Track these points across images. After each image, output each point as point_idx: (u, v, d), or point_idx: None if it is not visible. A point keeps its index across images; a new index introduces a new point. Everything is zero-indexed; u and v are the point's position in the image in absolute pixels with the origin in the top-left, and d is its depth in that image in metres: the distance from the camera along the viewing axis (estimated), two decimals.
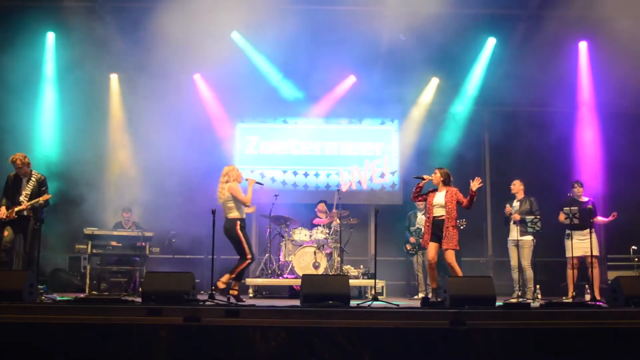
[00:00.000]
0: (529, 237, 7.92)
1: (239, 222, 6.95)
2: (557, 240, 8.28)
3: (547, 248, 8.54)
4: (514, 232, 7.97)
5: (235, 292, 6.89)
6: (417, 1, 8.61)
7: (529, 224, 7.75)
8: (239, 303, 6.38)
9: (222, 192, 7.04)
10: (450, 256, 6.75)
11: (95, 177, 10.20)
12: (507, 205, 8.14)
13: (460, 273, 6.85)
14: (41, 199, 7.02)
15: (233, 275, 6.91)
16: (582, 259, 7.84)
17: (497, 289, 5.80)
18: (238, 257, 7.08)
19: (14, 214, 6.97)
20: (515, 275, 8.01)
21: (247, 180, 7.21)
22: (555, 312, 5.35)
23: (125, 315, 5.03)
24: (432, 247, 6.87)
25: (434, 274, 6.94)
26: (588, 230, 7.64)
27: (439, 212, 6.87)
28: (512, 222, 8.03)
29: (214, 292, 6.27)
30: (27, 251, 7.09)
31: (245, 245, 6.93)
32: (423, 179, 7.07)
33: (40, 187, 7.13)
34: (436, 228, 6.85)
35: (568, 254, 7.90)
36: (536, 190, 8.63)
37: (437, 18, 8.75)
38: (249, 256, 6.94)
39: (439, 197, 6.92)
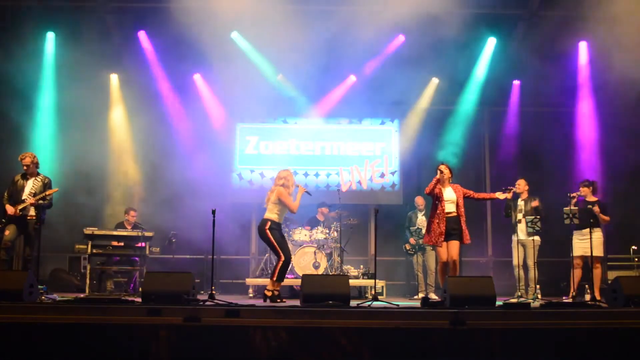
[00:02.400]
0: (537, 237, 7.92)
1: (269, 223, 6.93)
2: (558, 240, 8.29)
3: (548, 248, 8.54)
4: (521, 232, 7.95)
5: (269, 293, 6.88)
6: (417, 1, 8.61)
7: (529, 224, 7.75)
8: (275, 303, 6.46)
9: (271, 194, 7.07)
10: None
11: (96, 177, 10.20)
12: (506, 193, 8.01)
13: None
14: (47, 193, 7.10)
15: (274, 279, 6.90)
16: (585, 259, 7.83)
17: (497, 289, 5.80)
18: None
19: (18, 211, 7.05)
20: (518, 273, 7.98)
21: (297, 187, 7.19)
22: (555, 312, 5.35)
23: (125, 315, 5.03)
24: (453, 246, 6.72)
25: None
26: (588, 230, 7.64)
27: (450, 208, 6.77)
28: (517, 222, 7.98)
29: (213, 292, 6.27)
30: (27, 251, 7.14)
31: (277, 246, 6.91)
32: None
33: (45, 189, 7.23)
34: (449, 225, 6.71)
35: (573, 254, 7.88)
36: (536, 190, 8.63)
37: (437, 18, 8.75)
38: (282, 256, 6.90)
39: (450, 193, 6.82)
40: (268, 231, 6.91)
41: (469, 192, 6.95)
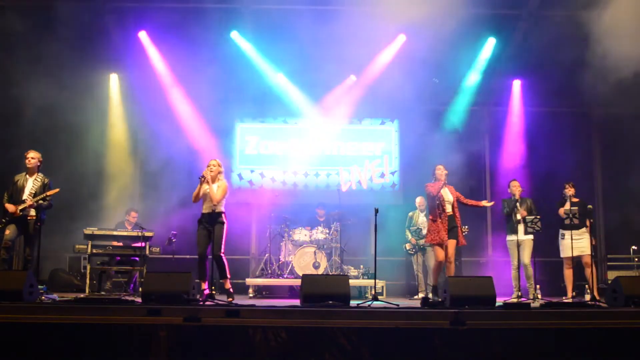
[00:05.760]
0: (530, 237, 7.95)
1: (200, 216, 6.94)
2: (556, 240, 8.27)
3: (547, 248, 8.54)
4: (519, 232, 7.96)
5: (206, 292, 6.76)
6: (417, 1, 8.61)
7: (529, 224, 7.75)
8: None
9: None
10: None
11: (95, 177, 10.20)
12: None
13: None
14: (48, 193, 7.10)
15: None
16: (577, 259, 7.86)
17: (497, 289, 5.80)
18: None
19: (18, 211, 7.05)
20: (516, 275, 8.01)
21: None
22: (555, 312, 5.36)
23: (125, 315, 5.04)
24: (452, 245, 7.07)
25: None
26: (583, 230, 7.72)
27: (448, 208, 7.10)
28: (516, 222, 7.98)
29: (213, 292, 6.27)
30: (27, 251, 7.14)
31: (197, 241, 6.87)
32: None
33: (45, 190, 7.20)
34: (449, 225, 7.06)
35: (562, 255, 7.94)
36: (536, 189, 8.63)
37: (438, 18, 8.74)
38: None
39: (447, 194, 7.14)
40: (198, 223, 6.90)
41: (460, 196, 7.33)
